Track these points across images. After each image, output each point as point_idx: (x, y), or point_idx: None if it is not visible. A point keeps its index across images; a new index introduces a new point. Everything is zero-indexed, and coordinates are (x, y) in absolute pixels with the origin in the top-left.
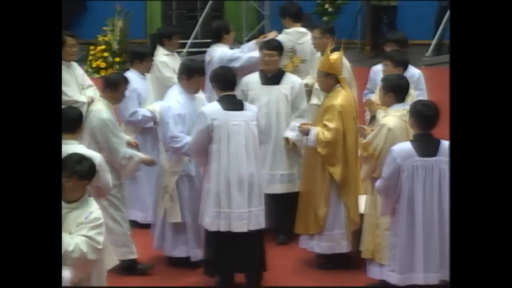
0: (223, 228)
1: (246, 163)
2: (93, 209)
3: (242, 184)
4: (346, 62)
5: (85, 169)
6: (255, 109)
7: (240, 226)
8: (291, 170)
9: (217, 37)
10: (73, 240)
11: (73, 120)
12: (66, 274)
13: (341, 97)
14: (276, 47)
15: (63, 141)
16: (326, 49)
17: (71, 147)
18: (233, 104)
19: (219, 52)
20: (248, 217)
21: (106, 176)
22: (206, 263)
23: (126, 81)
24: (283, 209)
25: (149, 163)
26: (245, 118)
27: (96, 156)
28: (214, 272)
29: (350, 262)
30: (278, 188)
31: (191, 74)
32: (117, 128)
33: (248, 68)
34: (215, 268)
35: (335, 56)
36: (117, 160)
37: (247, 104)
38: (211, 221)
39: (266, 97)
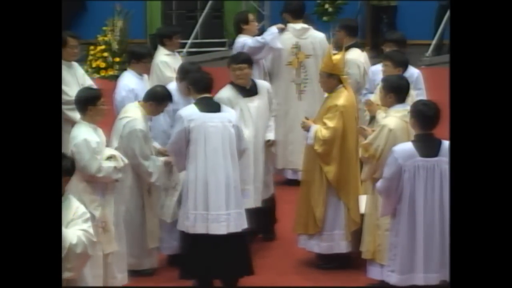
0: (200, 230)
1: (223, 164)
2: (77, 204)
3: (219, 186)
4: (360, 63)
5: (68, 165)
6: (233, 112)
7: (217, 228)
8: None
9: (237, 29)
10: (74, 234)
11: (77, 101)
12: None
13: (343, 97)
14: (245, 60)
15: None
16: (329, 50)
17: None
18: (210, 106)
19: (236, 43)
20: (226, 219)
21: (84, 158)
22: (182, 267)
23: (171, 97)
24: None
25: (168, 163)
26: (222, 120)
27: (78, 136)
28: (192, 277)
29: (350, 262)
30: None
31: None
32: (148, 141)
33: (255, 53)
34: (194, 272)
35: (337, 56)
36: (141, 172)
37: (224, 106)
38: (191, 224)
39: (253, 109)
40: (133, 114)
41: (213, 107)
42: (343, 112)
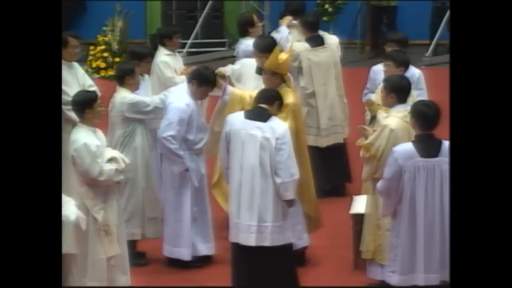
0: (231, 238)
1: (259, 174)
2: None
3: (254, 196)
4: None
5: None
6: (281, 124)
7: (246, 239)
8: None
9: (243, 32)
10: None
11: (75, 104)
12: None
13: (292, 96)
14: (269, 49)
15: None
16: (276, 47)
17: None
18: (257, 115)
19: (243, 45)
20: (257, 231)
21: (85, 162)
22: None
23: (133, 66)
24: None
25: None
26: (263, 129)
27: (78, 141)
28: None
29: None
30: None
31: (203, 84)
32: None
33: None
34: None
35: (283, 56)
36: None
37: (274, 118)
38: (230, 232)
39: (256, 84)
40: (120, 94)
41: (261, 116)
42: (294, 111)
